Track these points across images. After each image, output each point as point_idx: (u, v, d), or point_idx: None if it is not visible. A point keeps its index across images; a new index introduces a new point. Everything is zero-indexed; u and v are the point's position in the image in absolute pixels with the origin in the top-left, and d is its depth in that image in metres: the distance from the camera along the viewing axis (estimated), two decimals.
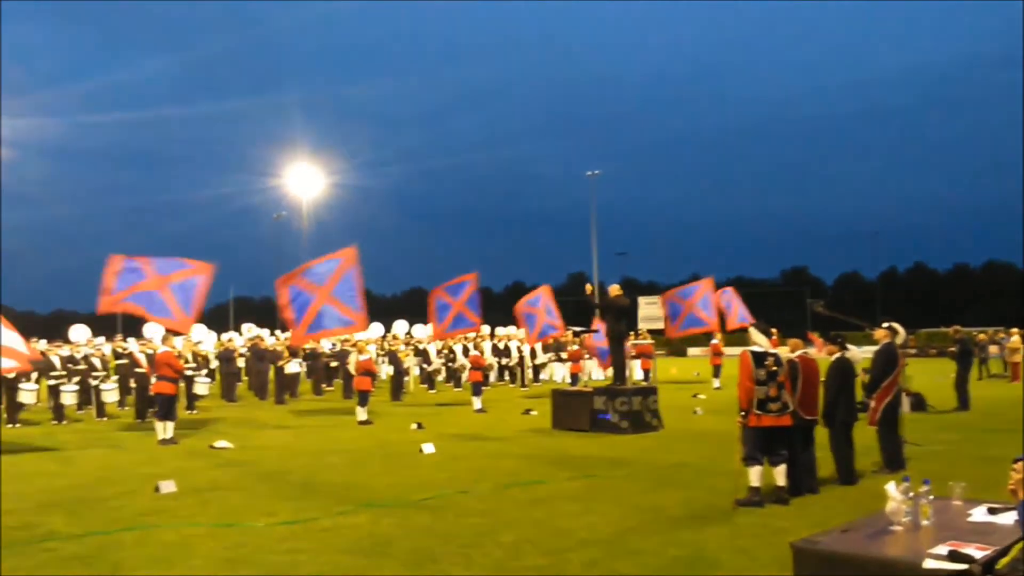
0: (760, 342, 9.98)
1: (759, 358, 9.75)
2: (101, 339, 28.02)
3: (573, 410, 17.72)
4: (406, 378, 29.42)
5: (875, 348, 12.26)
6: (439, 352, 32.00)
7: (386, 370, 30.45)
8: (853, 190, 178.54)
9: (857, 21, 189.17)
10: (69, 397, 20.85)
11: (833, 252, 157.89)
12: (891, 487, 5.51)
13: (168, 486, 11.16)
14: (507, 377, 32.68)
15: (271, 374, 28.14)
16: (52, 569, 7.47)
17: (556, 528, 8.68)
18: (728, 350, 30.35)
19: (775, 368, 9.76)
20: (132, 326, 38.57)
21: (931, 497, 5.47)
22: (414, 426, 18.24)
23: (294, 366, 27.67)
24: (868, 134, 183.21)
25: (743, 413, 9.67)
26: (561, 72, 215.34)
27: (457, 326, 24.48)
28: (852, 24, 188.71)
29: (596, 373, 32.13)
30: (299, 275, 19.24)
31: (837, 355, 11.47)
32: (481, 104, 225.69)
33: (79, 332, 26.28)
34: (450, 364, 31.67)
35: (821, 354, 12.49)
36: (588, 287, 20.17)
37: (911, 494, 5.44)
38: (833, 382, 11.22)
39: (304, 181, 64.73)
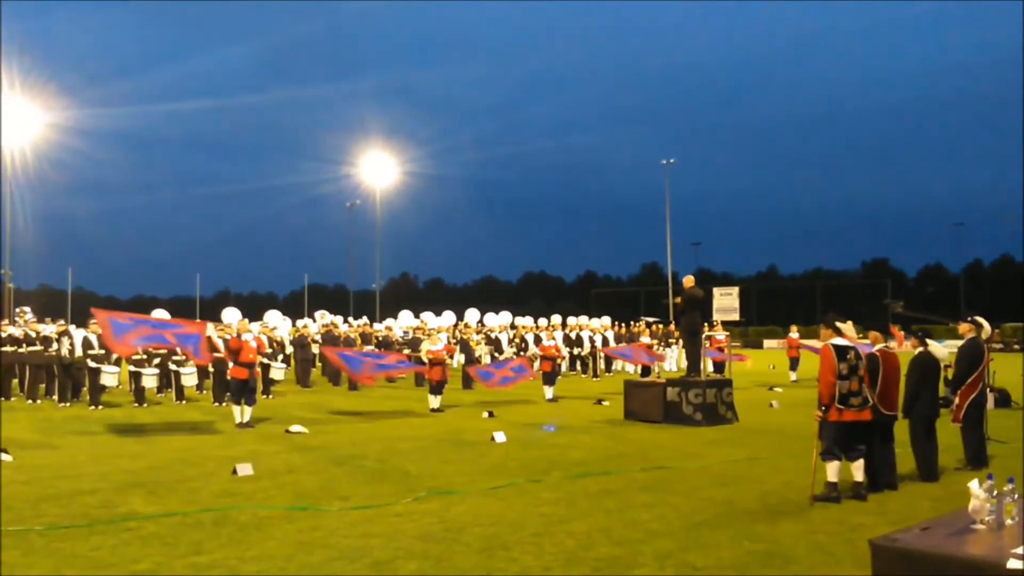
0: (849, 334, 9.83)
1: (841, 352, 9.59)
2: None
3: (645, 401, 17.63)
4: None
5: (959, 343, 11.98)
6: (511, 341, 32.04)
7: (457, 358, 30.58)
8: (936, 179, 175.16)
9: (939, 4, 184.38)
10: (149, 380, 21.25)
11: (915, 243, 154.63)
12: (974, 485, 5.38)
13: (245, 469, 11.34)
14: (579, 367, 32.61)
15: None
16: (133, 548, 7.63)
17: (628, 519, 8.64)
18: (805, 342, 29.95)
19: (856, 362, 9.60)
20: (211, 311, 39.28)
21: (1016, 496, 5.32)
22: (485, 415, 18.30)
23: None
24: (952, 120, 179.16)
25: (823, 407, 9.51)
26: (635, 59, 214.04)
27: None
28: (934, 7, 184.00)
29: (669, 364, 31.96)
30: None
31: (919, 350, 11.26)
32: (554, 92, 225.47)
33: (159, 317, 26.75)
34: (522, 353, 31.71)
35: (902, 348, 12.25)
36: (677, 299, 19.75)
37: (995, 492, 5.29)
38: (913, 377, 11.03)
39: (377, 169, 65.37)
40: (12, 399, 22.52)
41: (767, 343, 67.83)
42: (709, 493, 9.97)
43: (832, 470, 9.44)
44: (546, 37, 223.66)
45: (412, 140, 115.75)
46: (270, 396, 22.91)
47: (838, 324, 9.89)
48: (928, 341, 11.42)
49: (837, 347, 9.62)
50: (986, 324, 12.08)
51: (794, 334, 31.21)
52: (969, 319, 12.12)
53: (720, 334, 29.18)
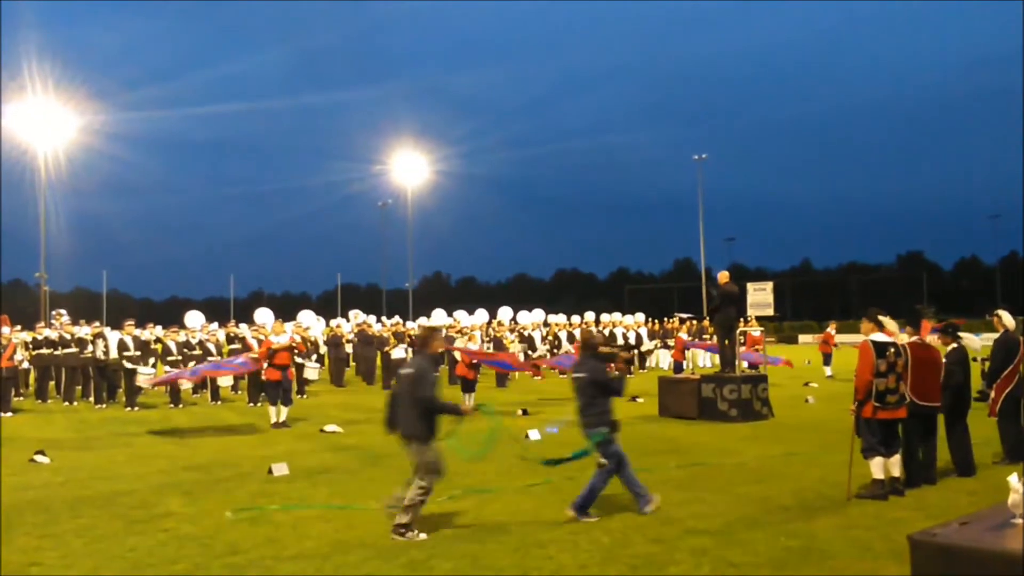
0: (891, 329, 9.72)
1: (880, 349, 9.46)
2: (215, 325, 28.73)
3: (680, 397, 17.55)
4: None
5: (994, 336, 11.86)
6: (544, 339, 32.01)
7: None
8: (971, 170, 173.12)
9: None
10: (185, 382, 21.40)
11: (951, 236, 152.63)
12: (1013, 479, 5.30)
13: (281, 469, 11.40)
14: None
15: (378, 360, 28.51)
16: (170, 548, 7.68)
17: (664, 516, 8.61)
18: (839, 337, 29.68)
19: (895, 359, 9.48)
20: (244, 312, 39.56)
21: None
22: (519, 413, 18.28)
23: (400, 352, 27.92)
24: (988, 112, 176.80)
25: (858, 403, 9.40)
26: (666, 57, 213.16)
27: None
28: (967, 2, 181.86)
29: (703, 360, 31.83)
30: None
31: (953, 346, 11.14)
32: (586, 90, 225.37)
33: (194, 318, 26.91)
34: (555, 351, 31.64)
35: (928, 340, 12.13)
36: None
37: None
38: (950, 371, 10.90)
39: (409, 169, 65.59)
40: (49, 401, 22.78)
41: (802, 338, 67.28)
42: (745, 489, 9.91)
43: (876, 467, 9.32)
44: (576, 36, 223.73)
45: (443, 140, 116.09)
46: (304, 396, 23.03)
47: (881, 319, 9.78)
48: (961, 335, 11.33)
49: (876, 344, 9.48)
50: (1007, 318, 11.92)
51: (831, 330, 30.90)
52: (992, 315, 12.05)
53: (756, 330, 28.98)
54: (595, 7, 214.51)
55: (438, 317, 34.90)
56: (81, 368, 22.94)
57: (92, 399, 22.22)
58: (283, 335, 17.60)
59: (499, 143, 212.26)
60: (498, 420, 9.30)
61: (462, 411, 8.45)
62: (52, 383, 23.94)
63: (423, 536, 7.94)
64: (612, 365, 9.15)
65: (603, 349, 9.38)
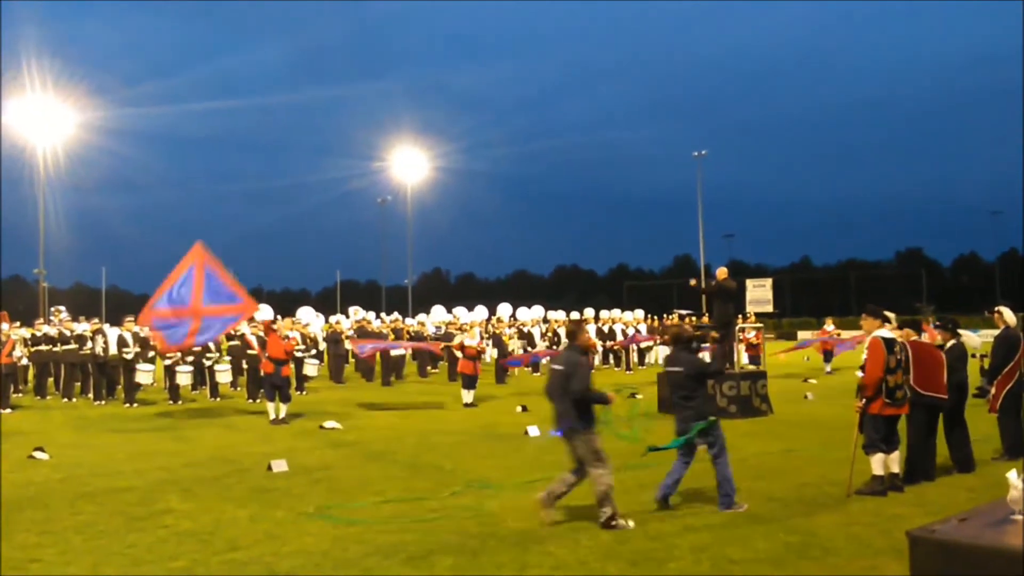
0: (893, 325, 9.73)
1: (890, 345, 9.45)
2: None
3: None
4: None
5: (995, 333, 11.86)
6: (543, 335, 32.00)
7: (491, 353, 30.56)
8: (971, 167, 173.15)
9: None
10: (184, 378, 21.38)
11: (950, 232, 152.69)
12: (1012, 475, 5.30)
13: (280, 465, 11.39)
14: (611, 360, 32.50)
15: (377, 356, 28.49)
16: (169, 545, 7.68)
17: (663, 512, 8.62)
18: (844, 335, 29.67)
19: (901, 355, 9.48)
20: None
21: None
22: (519, 409, 18.26)
23: (400, 349, 27.95)
24: (986, 110, 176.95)
25: (865, 400, 9.38)
26: (666, 53, 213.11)
27: None
28: (967, 1, 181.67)
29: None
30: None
31: (952, 342, 11.14)
32: (585, 87, 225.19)
33: None
34: (555, 347, 31.62)
35: (934, 342, 12.16)
36: (692, 281, 20.16)
37: None
38: (955, 368, 10.90)
39: (408, 165, 65.60)
40: (48, 398, 22.77)
41: (801, 334, 67.26)
42: (745, 486, 9.88)
43: (877, 463, 9.31)
44: (576, 33, 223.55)
45: (443, 136, 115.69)
46: (303, 392, 23.01)
47: (886, 314, 9.78)
48: (960, 332, 11.33)
49: (886, 340, 9.47)
50: (1008, 314, 11.92)
51: (830, 327, 30.90)
52: (992, 311, 12.06)
53: (751, 331, 28.85)
54: (596, 4, 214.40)
55: (437, 313, 34.97)
56: (80, 364, 22.91)
57: (91, 395, 22.21)
58: (290, 331, 17.65)
59: (499, 139, 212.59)
60: (636, 403, 9.49)
61: (609, 399, 8.62)
62: (51, 379, 23.92)
63: (631, 524, 8.03)
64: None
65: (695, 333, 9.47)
